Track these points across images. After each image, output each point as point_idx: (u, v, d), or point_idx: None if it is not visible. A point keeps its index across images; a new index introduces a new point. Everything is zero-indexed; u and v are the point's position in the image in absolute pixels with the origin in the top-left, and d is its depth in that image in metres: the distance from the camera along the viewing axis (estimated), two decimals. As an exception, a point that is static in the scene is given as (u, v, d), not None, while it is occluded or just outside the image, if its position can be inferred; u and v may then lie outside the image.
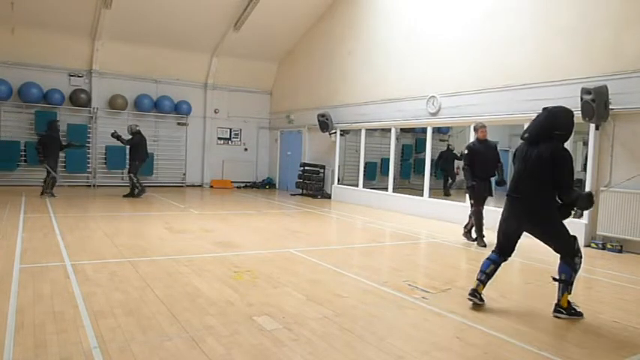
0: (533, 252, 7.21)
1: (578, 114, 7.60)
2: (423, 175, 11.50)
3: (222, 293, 4.41)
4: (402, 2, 12.07)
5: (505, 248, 4.42)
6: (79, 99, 14.58)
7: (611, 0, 7.74)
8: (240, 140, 17.72)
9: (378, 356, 3.19)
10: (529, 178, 4.19)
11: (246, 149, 17.81)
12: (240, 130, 17.66)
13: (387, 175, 12.67)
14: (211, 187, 16.68)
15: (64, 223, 7.85)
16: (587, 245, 7.71)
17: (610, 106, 7.38)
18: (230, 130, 17.51)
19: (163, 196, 12.87)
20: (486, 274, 4.40)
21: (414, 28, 11.60)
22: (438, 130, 14.83)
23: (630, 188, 7.36)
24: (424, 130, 11.71)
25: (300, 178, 15.16)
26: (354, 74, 13.70)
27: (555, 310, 4.16)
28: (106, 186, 14.86)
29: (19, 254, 5.61)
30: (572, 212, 4.22)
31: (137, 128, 12.55)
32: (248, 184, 17.41)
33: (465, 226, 7.96)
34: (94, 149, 14.85)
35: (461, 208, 9.89)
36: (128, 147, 12.66)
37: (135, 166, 12.28)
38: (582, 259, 4.18)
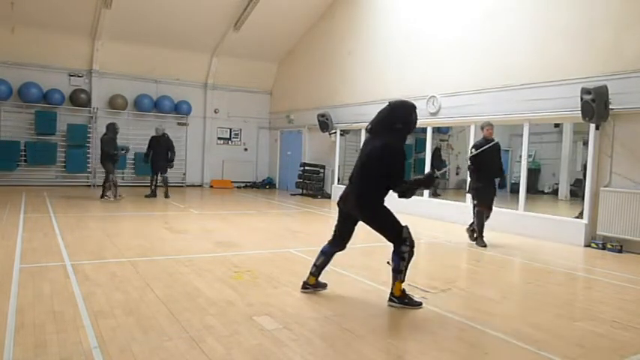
0: (533, 252, 7.22)
1: (577, 114, 7.63)
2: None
3: (222, 293, 4.40)
4: (402, 2, 12.07)
5: (338, 235, 4.47)
6: (79, 99, 14.58)
7: (611, 0, 7.74)
8: (240, 140, 17.72)
9: (378, 356, 3.19)
10: (361, 168, 4.26)
11: (246, 149, 17.81)
12: (240, 130, 17.67)
13: (387, 175, 12.65)
14: (211, 187, 16.68)
15: (64, 223, 7.84)
16: (587, 245, 7.71)
17: (610, 106, 7.38)
18: (230, 130, 17.51)
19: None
20: (316, 266, 4.50)
21: (414, 28, 11.60)
22: (437, 130, 14.82)
23: (630, 188, 7.36)
24: (424, 130, 11.70)
25: (300, 178, 15.16)
26: (353, 74, 13.69)
27: (389, 299, 4.22)
28: (106, 186, 14.83)
29: (19, 254, 5.61)
30: (415, 189, 4.25)
31: (160, 131, 12.57)
32: (248, 184, 17.41)
33: (470, 225, 7.82)
34: (94, 149, 14.84)
35: (461, 208, 9.89)
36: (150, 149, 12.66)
37: (157, 167, 12.35)
38: (412, 249, 4.14)
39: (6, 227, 7.35)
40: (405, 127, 4.23)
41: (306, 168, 15.14)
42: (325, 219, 10.59)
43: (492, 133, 7.54)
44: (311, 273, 4.54)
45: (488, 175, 7.44)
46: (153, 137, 12.58)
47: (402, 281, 4.17)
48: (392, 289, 4.21)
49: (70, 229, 7.34)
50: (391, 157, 4.09)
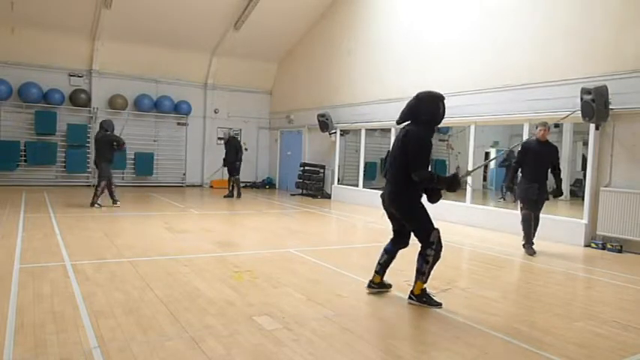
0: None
1: (577, 114, 7.63)
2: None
3: (222, 293, 4.40)
4: (402, 2, 12.07)
5: (396, 233, 4.46)
6: (79, 99, 14.58)
7: (611, 0, 7.74)
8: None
9: (378, 356, 3.19)
10: (393, 162, 4.25)
11: (246, 149, 17.78)
12: (240, 130, 17.66)
13: (387, 175, 12.63)
14: (211, 187, 16.67)
15: (64, 223, 7.84)
16: (587, 245, 7.71)
17: (610, 106, 7.38)
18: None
19: (163, 196, 12.87)
20: (380, 264, 4.51)
21: (413, 28, 11.59)
22: (437, 130, 14.79)
23: (630, 188, 7.36)
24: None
25: (300, 178, 15.15)
26: (353, 74, 13.69)
27: (409, 297, 4.30)
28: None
29: (19, 254, 5.61)
30: (442, 193, 4.23)
31: (229, 135, 13.75)
32: (248, 184, 17.40)
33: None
34: (93, 149, 14.81)
35: (461, 209, 9.89)
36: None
37: (230, 169, 13.37)
38: (438, 253, 4.14)
39: (6, 227, 7.35)
40: (429, 118, 4.18)
41: (306, 168, 15.14)
42: (325, 219, 10.59)
43: (546, 134, 6.91)
44: (376, 272, 4.53)
45: (533, 176, 6.86)
46: (228, 139, 13.61)
47: (424, 282, 4.21)
48: (413, 287, 4.26)
49: (70, 229, 7.34)
50: (413, 142, 4.04)
